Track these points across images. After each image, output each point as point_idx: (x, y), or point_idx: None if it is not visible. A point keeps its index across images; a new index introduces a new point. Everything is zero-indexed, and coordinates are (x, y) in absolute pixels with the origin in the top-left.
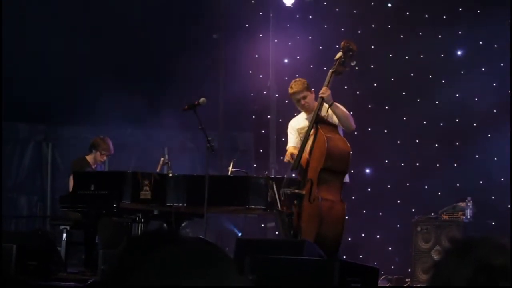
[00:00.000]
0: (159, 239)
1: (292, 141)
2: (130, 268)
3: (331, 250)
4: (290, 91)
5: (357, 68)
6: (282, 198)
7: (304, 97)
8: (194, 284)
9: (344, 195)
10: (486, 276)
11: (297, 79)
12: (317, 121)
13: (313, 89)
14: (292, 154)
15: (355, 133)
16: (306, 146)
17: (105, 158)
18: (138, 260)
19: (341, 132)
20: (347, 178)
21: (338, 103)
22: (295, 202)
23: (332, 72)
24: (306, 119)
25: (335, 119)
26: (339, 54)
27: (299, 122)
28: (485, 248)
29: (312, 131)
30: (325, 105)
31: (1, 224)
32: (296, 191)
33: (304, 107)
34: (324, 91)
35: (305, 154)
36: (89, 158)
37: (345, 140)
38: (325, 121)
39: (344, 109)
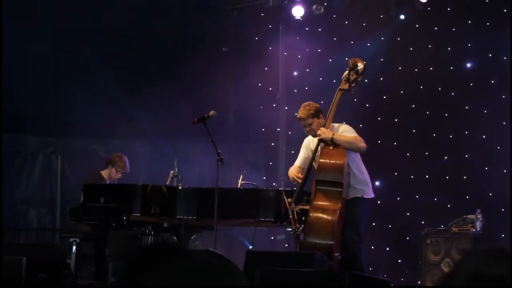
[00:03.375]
0: (168, 251)
1: (300, 159)
2: (139, 280)
3: None
4: (297, 115)
5: (366, 80)
6: (290, 216)
7: (310, 124)
8: None
9: (371, 210)
10: (477, 285)
11: (306, 104)
12: (322, 141)
13: (320, 115)
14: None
15: None
16: (303, 160)
17: (120, 175)
18: (147, 272)
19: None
20: (371, 194)
21: (343, 119)
22: (303, 218)
23: (339, 90)
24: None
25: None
26: (345, 72)
27: (313, 143)
28: (479, 258)
29: (319, 150)
30: (335, 124)
31: (1, 236)
32: (301, 207)
33: (310, 133)
34: (320, 132)
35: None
36: (104, 173)
37: (343, 153)
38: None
39: (346, 136)
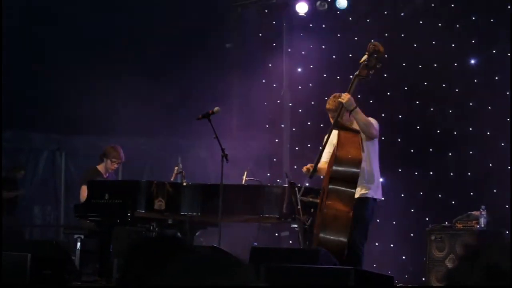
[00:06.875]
0: (170, 246)
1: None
2: (141, 275)
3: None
4: (326, 106)
5: (370, 76)
6: (298, 207)
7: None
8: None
9: (377, 211)
10: (495, 281)
11: (337, 95)
12: (337, 128)
13: None
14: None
15: None
16: (328, 155)
17: (116, 166)
18: (150, 266)
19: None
20: (380, 195)
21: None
22: (312, 210)
23: (356, 76)
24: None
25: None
26: (364, 57)
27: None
28: (494, 253)
29: (333, 138)
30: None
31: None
32: (311, 199)
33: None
34: (344, 97)
35: (327, 163)
36: (100, 167)
37: (359, 147)
38: (345, 128)
39: (365, 117)
